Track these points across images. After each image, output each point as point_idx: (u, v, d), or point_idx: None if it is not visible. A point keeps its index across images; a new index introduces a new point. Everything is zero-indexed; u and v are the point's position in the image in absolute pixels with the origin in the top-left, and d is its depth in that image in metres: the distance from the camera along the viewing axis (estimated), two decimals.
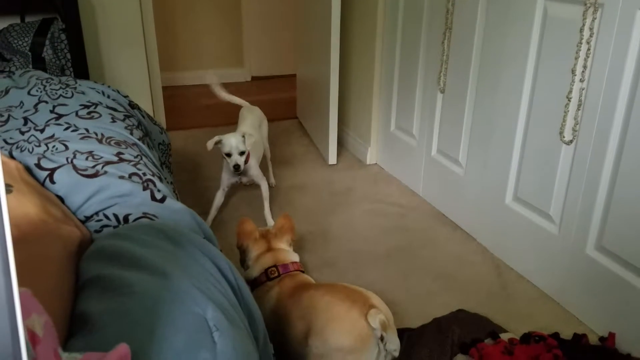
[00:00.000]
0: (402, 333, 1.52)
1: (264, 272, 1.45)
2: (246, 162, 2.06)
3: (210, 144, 2.03)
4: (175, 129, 3.22)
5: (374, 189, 2.53)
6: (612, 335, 1.49)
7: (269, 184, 2.35)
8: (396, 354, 1.21)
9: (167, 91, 3.22)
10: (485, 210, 1.99)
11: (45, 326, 0.46)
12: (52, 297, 0.67)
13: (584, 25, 1.46)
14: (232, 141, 2.01)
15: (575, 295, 1.63)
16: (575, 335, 1.51)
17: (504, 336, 1.47)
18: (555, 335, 1.49)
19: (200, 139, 3.16)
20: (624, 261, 1.46)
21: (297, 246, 1.87)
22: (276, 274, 1.44)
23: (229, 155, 2.03)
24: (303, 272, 1.50)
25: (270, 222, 2.17)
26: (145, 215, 0.98)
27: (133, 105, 1.70)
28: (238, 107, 2.51)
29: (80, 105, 1.46)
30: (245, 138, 2.02)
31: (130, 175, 1.11)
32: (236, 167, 2.02)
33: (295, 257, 1.53)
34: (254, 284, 1.45)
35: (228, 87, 2.73)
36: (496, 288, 1.77)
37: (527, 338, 1.46)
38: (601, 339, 1.51)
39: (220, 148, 2.04)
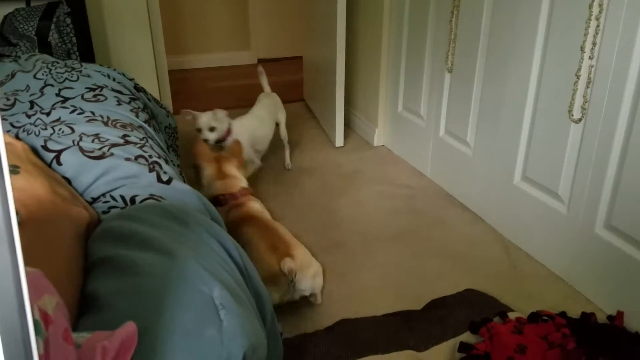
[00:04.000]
0: (405, 315, 1.53)
1: (214, 198, 1.65)
2: (223, 139, 2.18)
3: (184, 115, 2.20)
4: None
5: (381, 171, 2.53)
6: (620, 314, 1.49)
7: (285, 166, 2.55)
8: (307, 293, 1.52)
9: (173, 74, 3.21)
10: (493, 191, 1.98)
11: (57, 307, 0.47)
12: (62, 277, 0.68)
13: (593, 1, 1.44)
14: (203, 118, 2.15)
15: (584, 275, 1.62)
16: (583, 314, 1.51)
17: (512, 315, 1.47)
18: (564, 314, 1.49)
19: None
20: (633, 240, 1.45)
21: (308, 225, 1.87)
22: (224, 203, 1.64)
23: (199, 130, 2.17)
24: (252, 194, 1.72)
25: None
26: (152, 196, 0.98)
27: (139, 89, 1.70)
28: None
29: (86, 88, 1.46)
30: (217, 115, 2.15)
31: (137, 158, 1.11)
32: (205, 141, 2.13)
33: (243, 183, 1.74)
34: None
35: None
36: (505, 268, 1.77)
37: (536, 317, 1.46)
38: (609, 317, 1.51)
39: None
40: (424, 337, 1.42)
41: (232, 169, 1.74)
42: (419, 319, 1.49)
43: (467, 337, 1.43)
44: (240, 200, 1.65)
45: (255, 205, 1.67)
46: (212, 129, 2.15)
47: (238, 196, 1.68)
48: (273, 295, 1.45)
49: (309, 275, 1.51)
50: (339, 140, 2.80)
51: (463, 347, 1.37)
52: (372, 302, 1.60)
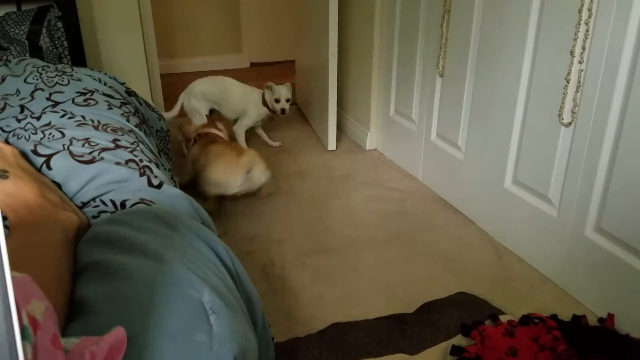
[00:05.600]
0: (397, 318, 1.53)
1: (194, 137, 2.33)
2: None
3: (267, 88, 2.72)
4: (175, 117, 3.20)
5: (373, 174, 2.53)
6: (611, 317, 1.49)
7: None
8: (260, 183, 2.11)
9: (165, 78, 3.20)
10: (484, 194, 1.98)
11: (46, 312, 0.47)
12: (51, 282, 0.68)
13: (582, 5, 1.45)
14: (283, 91, 2.69)
15: (575, 277, 1.63)
16: (574, 316, 1.52)
17: (503, 318, 1.48)
18: (555, 317, 1.50)
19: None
20: (623, 243, 1.46)
21: (300, 226, 1.87)
22: (199, 138, 2.28)
23: (277, 100, 2.70)
24: (222, 138, 2.30)
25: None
26: (142, 200, 0.98)
27: (130, 92, 1.70)
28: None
29: (77, 92, 1.46)
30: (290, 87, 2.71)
31: (127, 162, 1.11)
32: (282, 110, 2.72)
33: (222, 134, 2.33)
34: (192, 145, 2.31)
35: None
36: (496, 271, 1.77)
37: (527, 320, 1.47)
38: (600, 320, 1.51)
39: None
40: (416, 340, 1.42)
41: (215, 129, 2.34)
42: (411, 322, 1.49)
43: (458, 340, 1.43)
44: (211, 136, 2.28)
45: (221, 140, 2.28)
46: (288, 100, 2.66)
47: (210, 135, 2.29)
48: (230, 183, 2.02)
49: (261, 168, 2.08)
50: (331, 144, 2.80)
51: (455, 350, 1.38)
52: (364, 306, 1.60)
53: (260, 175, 2.06)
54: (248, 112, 2.74)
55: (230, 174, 2.03)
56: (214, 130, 2.32)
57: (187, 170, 2.28)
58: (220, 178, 2.05)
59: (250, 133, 2.88)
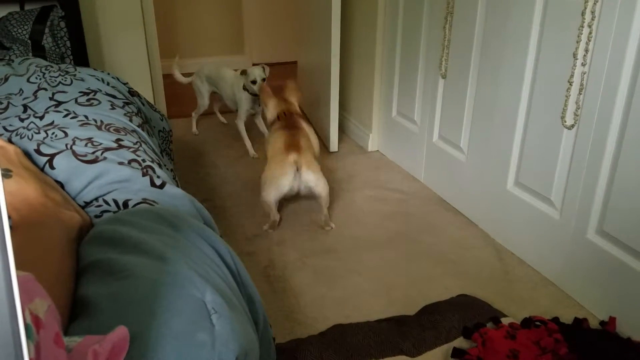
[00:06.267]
0: (398, 320, 1.53)
1: (277, 115, 2.28)
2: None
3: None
4: (177, 117, 3.21)
5: (375, 175, 2.53)
6: (612, 319, 1.49)
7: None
8: (311, 184, 2.01)
9: (167, 78, 3.21)
10: (486, 196, 1.98)
11: (48, 311, 0.47)
12: (54, 281, 0.68)
13: (585, 8, 1.45)
14: (256, 71, 2.76)
15: (576, 280, 1.63)
16: (575, 319, 1.52)
17: (505, 321, 1.48)
18: (556, 320, 1.50)
19: (202, 127, 3.16)
20: (624, 245, 1.45)
21: (301, 230, 1.88)
22: (284, 116, 2.25)
23: (254, 82, 2.76)
24: (301, 116, 2.29)
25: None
26: (144, 200, 0.98)
27: (133, 93, 1.70)
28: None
29: (80, 92, 1.46)
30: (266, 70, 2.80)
31: (130, 162, 1.11)
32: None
33: (295, 107, 2.33)
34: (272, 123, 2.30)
35: None
36: (497, 273, 1.77)
37: (528, 322, 1.47)
38: (602, 323, 1.51)
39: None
40: (417, 342, 1.42)
41: (292, 98, 2.35)
42: (412, 324, 1.49)
43: (460, 342, 1.43)
44: (291, 118, 2.25)
45: (299, 121, 2.23)
46: (263, 80, 2.73)
47: (293, 115, 2.27)
48: (283, 183, 2.00)
49: (311, 171, 2.01)
50: (333, 145, 2.80)
51: (456, 352, 1.37)
52: (365, 307, 1.60)
53: (308, 175, 2.00)
54: (237, 98, 2.87)
55: (281, 171, 2.00)
56: (293, 108, 2.31)
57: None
58: (271, 172, 2.03)
59: (251, 129, 2.89)
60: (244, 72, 2.77)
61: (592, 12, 1.44)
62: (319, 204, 2.08)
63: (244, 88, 2.78)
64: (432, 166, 2.35)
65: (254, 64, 4.53)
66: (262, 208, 2.08)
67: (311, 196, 2.08)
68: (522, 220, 1.82)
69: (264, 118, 2.56)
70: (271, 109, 2.32)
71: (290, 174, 1.99)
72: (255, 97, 2.79)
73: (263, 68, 2.78)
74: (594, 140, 1.49)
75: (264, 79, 2.76)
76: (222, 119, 3.28)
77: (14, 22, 2.42)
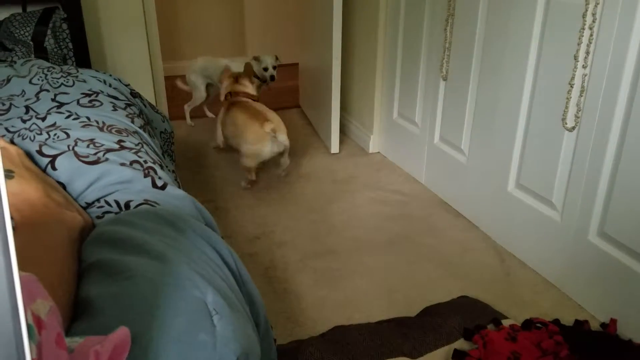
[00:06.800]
0: (399, 321, 1.53)
1: (226, 95, 2.53)
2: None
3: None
4: (179, 118, 3.21)
5: (376, 177, 2.53)
6: (613, 322, 1.49)
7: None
8: (284, 145, 2.29)
9: (169, 80, 3.21)
10: (487, 198, 1.98)
11: (50, 311, 0.47)
12: (55, 282, 0.68)
13: (586, 10, 1.45)
14: (268, 60, 3.01)
15: (577, 282, 1.63)
16: (576, 321, 1.52)
17: (505, 322, 1.48)
18: (557, 322, 1.50)
19: (202, 128, 3.17)
20: (625, 247, 1.46)
21: (301, 231, 1.88)
22: (229, 97, 2.48)
23: (266, 69, 3.00)
24: (253, 99, 2.50)
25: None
26: (146, 201, 0.98)
27: (134, 94, 1.70)
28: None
29: (82, 93, 1.46)
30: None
31: (131, 163, 1.11)
32: (272, 77, 3.04)
33: (249, 90, 2.54)
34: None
35: None
36: (498, 275, 1.77)
37: (529, 324, 1.47)
38: (602, 325, 1.51)
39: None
40: (418, 344, 1.42)
41: (245, 81, 2.57)
42: (413, 325, 1.49)
43: (460, 344, 1.43)
44: (240, 97, 2.48)
45: (249, 101, 2.45)
46: (275, 68, 2.98)
47: (241, 95, 2.49)
48: (263, 151, 2.27)
49: (283, 131, 2.26)
50: (334, 147, 2.80)
51: (457, 354, 1.38)
52: (366, 308, 1.60)
53: (282, 135, 2.25)
54: None
55: (260, 144, 2.25)
56: (240, 88, 2.52)
57: (217, 133, 2.57)
58: (253, 150, 2.28)
59: None
60: (256, 59, 2.96)
61: (593, 15, 1.44)
62: (283, 156, 2.37)
63: (264, 69, 2.98)
64: (433, 168, 2.35)
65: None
66: (242, 169, 2.37)
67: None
68: (523, 222, 1.82)
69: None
70: (223, 89, 2.59)
71: (269, 142, 2.25)
72: (262, 84, 3.00)
73: (276, 57, 2.99)
74: (595, 142, 1.49)
75: (274, 67, 2.99)
76: (210, 114, 3.38)
77: (17, 23, 2.43)
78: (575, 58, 1.51)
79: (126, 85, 1.70)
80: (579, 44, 1.49)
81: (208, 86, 3.18)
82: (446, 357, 1.39)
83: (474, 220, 2.09)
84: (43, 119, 1.28)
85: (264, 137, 2.23)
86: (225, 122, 2.45)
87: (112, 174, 1.04)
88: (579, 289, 1.62)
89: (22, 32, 2.40)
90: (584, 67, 1.49)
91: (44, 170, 1.03)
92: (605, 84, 1.44)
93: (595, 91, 1.47)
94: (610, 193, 1.47)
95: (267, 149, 2.27)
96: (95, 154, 1.10)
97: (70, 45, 2.46)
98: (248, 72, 2.62)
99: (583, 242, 1.58)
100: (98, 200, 1.00)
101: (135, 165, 1.11)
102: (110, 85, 1.61)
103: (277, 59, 3.01)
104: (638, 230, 1.41)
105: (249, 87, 2.57)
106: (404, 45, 2.44)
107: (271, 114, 2.31)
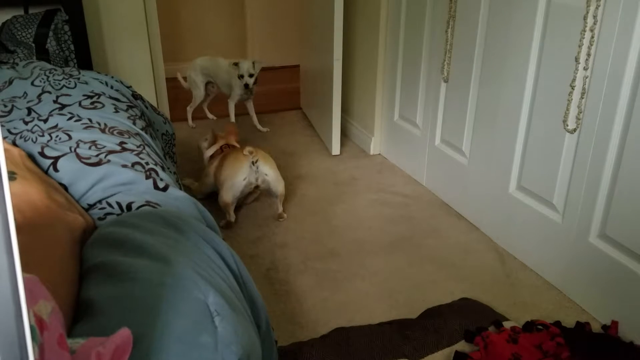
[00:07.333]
0: (400, 323, 1.53)
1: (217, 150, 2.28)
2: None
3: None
4: (180, 120, 3.22)
5: (377, 179, 2.54)
6: (614, 324, 1.49)
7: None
8: (269, 178, 2.06)
9: (171, 82, 3.22)
10: (488, 200, 1.98)
11: (52, 312, 0.47)
12: (58, 283, 0.68)
13: (587, 12, 1.45)
14: (245, 66, 2.96)
15: (578, 284, 1.63)
16: (578, 323, 1.51)
17: (507, 324, 1.48)
18: (558, 324, 1.50)
19: (204, 130, 3.17)
20: (627, 249, 1.45)
21: (303, 231, 1.88)
22: (226, 148, 2.26)
23: (241, 77, 2.98)
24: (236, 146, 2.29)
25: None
26: (148, 203, 0.98)
27: (136, 96, 1.71)
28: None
29: (84, 95, 1.47)
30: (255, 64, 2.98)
31: (133, 164, 1.11)
32: (246, 85, 2.98)
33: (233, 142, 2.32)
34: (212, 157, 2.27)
35: None
36: (500, 277, 1.77)
37: (530, 326, 1.47)
38: (604, 327, 1.51)
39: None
40: (419, 345, 1.42)
41: (231, 139, 2.33)
42: (414, 327, 1.49)
43: (462, 346, 1.43)
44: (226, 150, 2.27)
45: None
46: (250, 75, 2.92)
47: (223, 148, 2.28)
48: (238, 177, 2.01)
49: (268, 165, 2.05)
50: (336, 149, 2.80)
51: (458, 356, 1.37)
52: (367, 310, 1.60)
53: (265, 168, 2.03)
54: (233, 84, 3.06)
55: (237, 165, 2.01)
56: (232, 141, 2.31)
57: (206, 181, 2.25)
58: (228, 175, 2.03)
59: (244, 125, 2.95)
60: (236, 64, 2.95)
61: (594, 16, 1.44)
62: (276, 202, 2.15)
63: (239, 77, 2.99)
64: (434, 170, 2.35)
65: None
66: (221, 206, 2.07)
67: (268, 192, 2.14)
68: (524, 224, 1.82)
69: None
70: (212, 148, 2.29)
71: (246, 166, 2.01)
72: (247, 88, 3.00)
73: (253, 63, 2.92)
74: (596, 144, 1.49)
75: (251, 75, 2.92)
76: (210, 115, 3.39)
77: (18, 25, 2.43)
78: (576, 60, 1.51)
79: (128, 87, 1.70)
80: (579, 46, 1.49)
81: (207, 85, 3.21)
82: (447, 359, 1.39)
83: (475, 222, 2.09)
84: (45, 121, 1.28)
85: (241, 160, 2.01)
86: (220, 165, 2.12)
87: (114, 176, 1.05)
88: (580, 291, 1.62)
89: (24, 34, 2.41)
90: (585, 69, 1.49)
91: (46, 172, 1.03)
92: (606, 85, 1.44)
93: (596, 93, 1.47)
94: (611, 195, 1.47)
95: (243, 176, 2.01)
96: (97, 155, 1.11)
97: (72, 47, 2.46)
98: (233, 131, 2.38)
99: (584, 244, 1.58)
100: (100, 201, 1.00)
101: (137, 167, 1.11)
102: (112, 87, 1.61)
103: (254, 65, 2.91)
104: (639, 232, 1.41)
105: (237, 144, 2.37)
106: (405, 47, 2.44)
107: (261, 150, 2.08)
